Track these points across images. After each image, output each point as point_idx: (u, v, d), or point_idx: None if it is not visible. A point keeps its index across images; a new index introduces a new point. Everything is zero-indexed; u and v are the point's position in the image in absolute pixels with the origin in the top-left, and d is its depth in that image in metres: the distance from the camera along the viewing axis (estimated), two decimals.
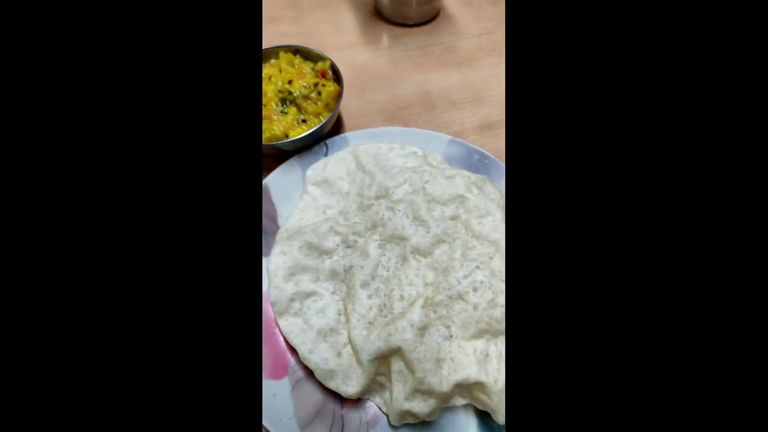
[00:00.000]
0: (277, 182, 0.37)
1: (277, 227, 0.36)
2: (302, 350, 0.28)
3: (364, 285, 0.29)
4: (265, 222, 0.36)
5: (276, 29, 0.55)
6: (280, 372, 0.30)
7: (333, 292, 0.30)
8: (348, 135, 0.41)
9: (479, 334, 0.27)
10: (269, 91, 0.40)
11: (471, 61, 0.52)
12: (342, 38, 0.55)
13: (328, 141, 0.40)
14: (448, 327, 0.27)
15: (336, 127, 0.45)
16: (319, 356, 0.28)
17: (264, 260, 0.34)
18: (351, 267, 0.30)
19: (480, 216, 0.30)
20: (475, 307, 0.27)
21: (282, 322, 0.30)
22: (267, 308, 0.32)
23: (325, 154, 0.39)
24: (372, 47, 0.54)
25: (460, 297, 0.27)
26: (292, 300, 0.30)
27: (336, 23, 0.56)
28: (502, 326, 0.27)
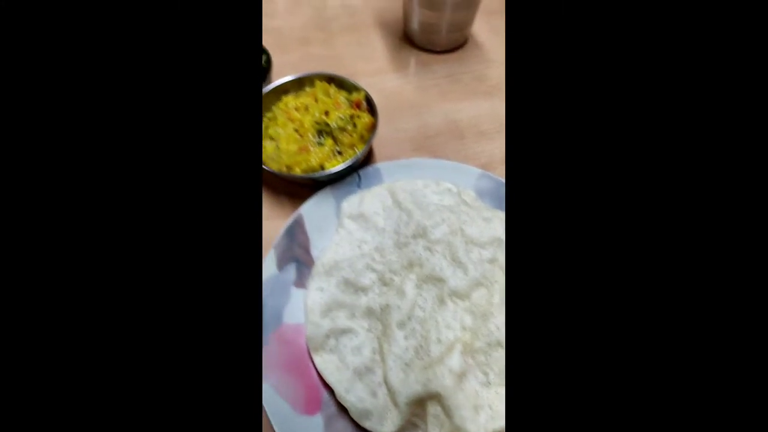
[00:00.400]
0: (311, 213, 0.38)
1: (309, 257, 0.36)
2: (338, 389, 0.29)
3: (401, 325, 0.29)
4: (299, 252, 0.37)
5: (306, 51, 0.56)
6: (313, 407, 0.30)
7: (368, 330, 0.30)
8: (380, 166, 0.41)
9: None
10: (306, 121, 0.40)
11: (500, 90, 0.52)
12: (371, 64, 0.55)
13: (361, 171, 0.41)
14: (486, 374, 0.27)
15: (367, 156, 0.45)
16: (355, 396, 0.28)
17: (294, 289, 0.35)
18: (387, 306, 0.30)
19: None
20: None
21: (317, 359, 0.30)
22: (300, 341, 0.33)
23: (358, 185, 0.40)
24: (400, 74, 0.54)
25: (499, 344, 0.27)
26: (327, 336, 0.30)
27: (365, 47, 0.57)
28: None
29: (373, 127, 0.41)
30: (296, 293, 0.35)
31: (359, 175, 0.41)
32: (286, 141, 0.39)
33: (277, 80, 0.44)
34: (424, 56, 0.56)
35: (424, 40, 0.55)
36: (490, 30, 0.59)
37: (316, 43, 0.58)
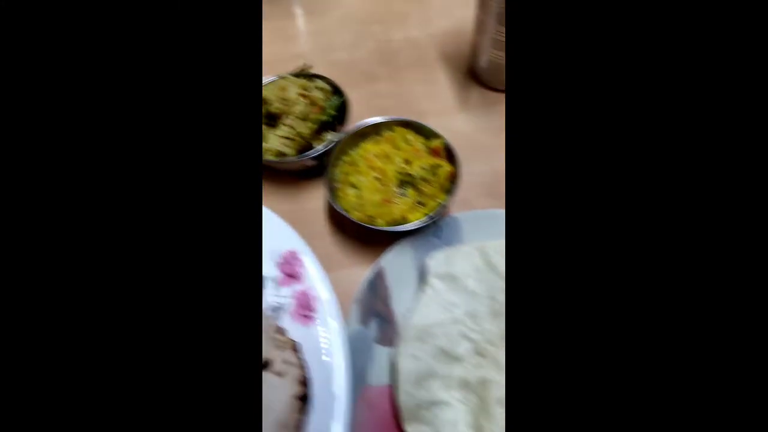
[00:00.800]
0: (391, 265, 0.37)
1: (390, 311, 0.36)
2: None
3: (501, 403, 0.28)
4: (380, 306, 0.36)
5: (372, 89, 0.56)
6: None
7: (463, 402, 0.29)
8: (459, 216, 0.41)
9: None
10: (389, 171, 0.40)
11: None
12: (438, 102, 0.55)
13: (440, 222, 0.40)
14: None
15: None
16: None
17: (376, 347, 0.34)
18: (485, 380, 0.29)
19: None
20: None
21: (410, 429, 0.29)
22: (385, 406, 0.32)
23: (439, 237, 0.39)
24: (468, 114, 0.53)
25: None
26: (420, 407, 0.29)
27: (431, 84, 0.57)
28: None
29: (453, 177, 0.40)
30: (379, 351, 0.34)
31: (440, 227, 0.40)
32: (369, 191, 0.39)
33: (356, 123, 0.44)
34: (492, 96, 0.55)
35: (492, 78, 0.55)
36: None
37: (382, 78, 0.57)
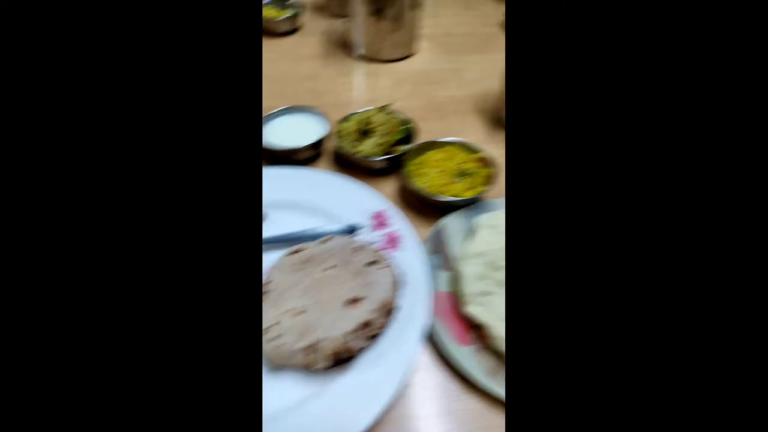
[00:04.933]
0: (449, 224, 0.56)
1: (447, 250, 0.53)
2: (493, 325, 0.44)
3: None
4: (442, 247, 0.54)
5: (426, 124, 0.78)
6: (467, 340, 0.45)
7: (502, 294, 0.46)
8: (496, 201, 0.60)
9: None
10: (447, 167, 0.60)
11: None
12: (472, 137, 0.77)
13: (484, 202, 0.60)
14: None
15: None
16: (501, 332, 0.43)
17: (439, 271, 0.51)
18: None
19: None
20: None
21: (472, 308, 0.46)
22: (447, 303, 0.48)
23: (480, 210, 0.58)
24: (494, 146, 0.75)
25: None
26: (477, 296, 0.46)
27: (468, 125, 0.79)
28: None
29: (491, 176, 0.60)
30: (441, 274, 0.51)
31: (482, 204, 0.59)
32: (435, 178, 0.59)
33: (422, 140, 0.65)
34: None
35: None
36: None
37: (432, 120, 0.80)
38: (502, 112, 0.77)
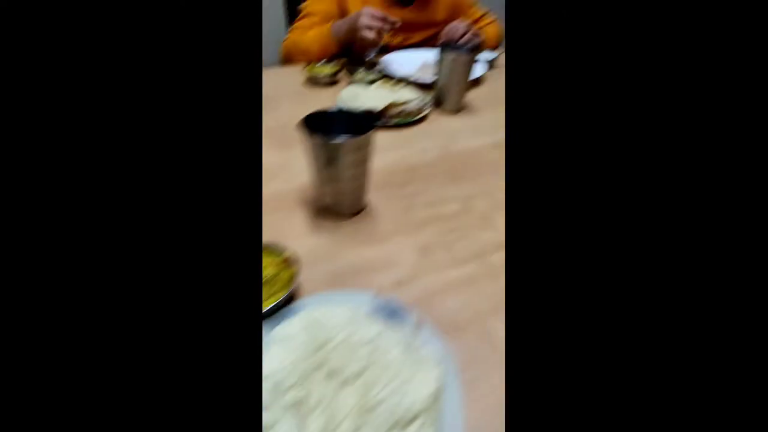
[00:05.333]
0: None
1: None
2: None
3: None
4: None
5: None
6: None
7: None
8: (302, 301, 0.59)
9: None
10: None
11: (384, 239, 0.75)
12: (295, 231, 0.77)
13: (286, 308, 0.57)
14: None
15: (292, 296, 0.62)
16: None
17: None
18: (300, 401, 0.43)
19: None
20: None
21: None
22: None
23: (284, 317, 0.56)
24: (318, 234, 0.76)
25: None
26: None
27: (291, 220, 0.80)
28: None
29: (293, 276, 0.59)
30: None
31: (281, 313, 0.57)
32: None
33: None
34: (334, 220, 0.79)
35: (333, 209, 0.79)
36: (379, 200, 0.85)
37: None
38: (324, 200, 0.79)
